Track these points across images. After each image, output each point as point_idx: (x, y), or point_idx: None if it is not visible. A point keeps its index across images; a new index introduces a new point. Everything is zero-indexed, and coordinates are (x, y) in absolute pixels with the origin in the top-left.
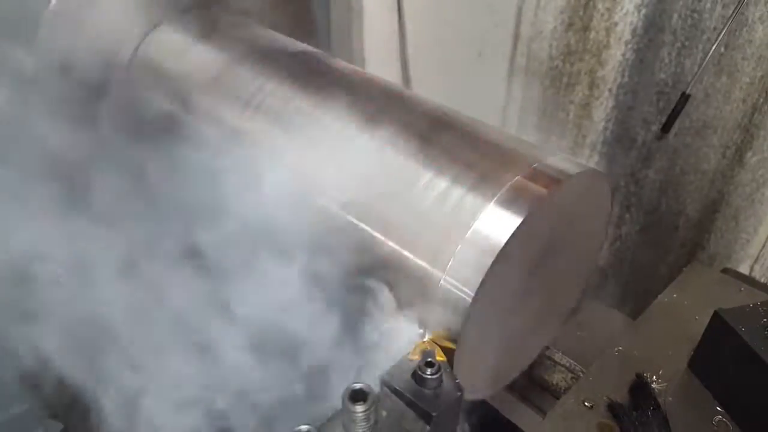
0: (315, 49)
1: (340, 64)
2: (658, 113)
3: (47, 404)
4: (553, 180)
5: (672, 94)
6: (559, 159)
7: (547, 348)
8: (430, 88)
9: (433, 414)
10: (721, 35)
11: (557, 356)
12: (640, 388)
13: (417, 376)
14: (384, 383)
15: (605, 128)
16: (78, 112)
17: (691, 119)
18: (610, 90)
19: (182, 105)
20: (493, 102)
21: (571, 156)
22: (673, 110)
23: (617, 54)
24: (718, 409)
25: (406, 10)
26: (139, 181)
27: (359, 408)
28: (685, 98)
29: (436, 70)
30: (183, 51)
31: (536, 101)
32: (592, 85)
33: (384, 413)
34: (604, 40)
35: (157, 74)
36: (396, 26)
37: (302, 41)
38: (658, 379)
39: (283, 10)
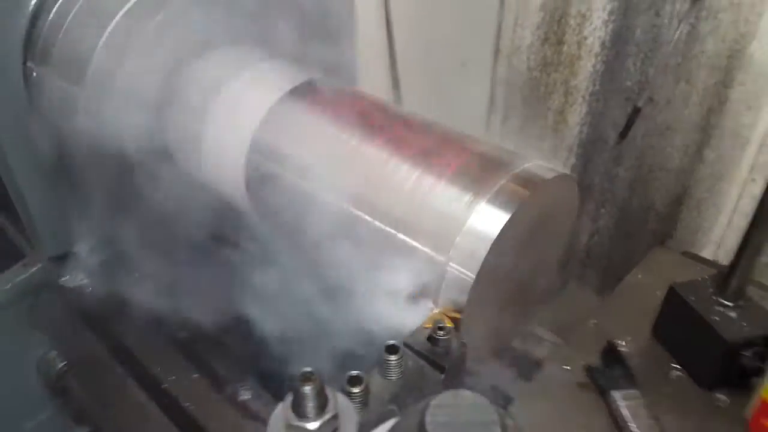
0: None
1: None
2: (626, 117)
3: (73, 409)
4: (533, 183)
5: (638, 100)
6: (536, 165)
7: (534, 326)
8: (419, 96)
9: (445, 366)
10: (672, 45)
11: (542, 332)
12: (610, 352)
13: (431, 338)
14: (406, 345)
15: (580, 132)
16: None
17: (655, 122)
18: (583, 97)
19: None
20: (478, 108)
21: (546, 162)
22: (627, 121)
23: (588, 65)
24: (675, 366)
25: (395, 24)
26: None
27: (393, 358)
28: (636, 111)
29: (424, 80)
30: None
31: (517, 108)
32: (566, 94)
33: (410, 363)
34: (576, 52)
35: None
36: (385, 38)
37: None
38: (626, 344)
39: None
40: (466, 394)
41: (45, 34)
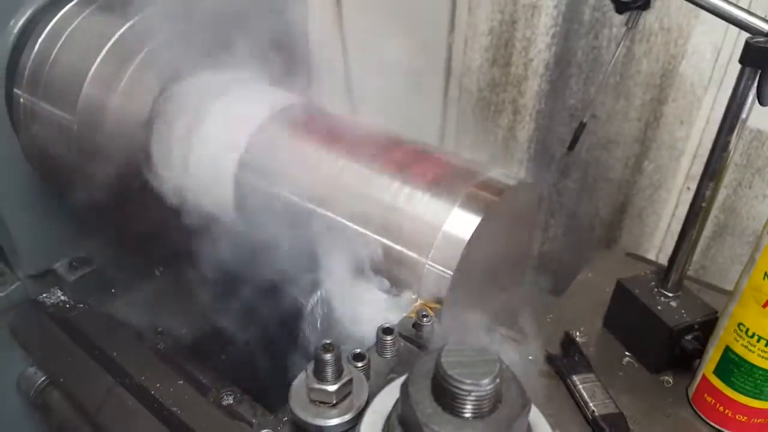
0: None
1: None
2: (570, 132)
3: (54, 423)
4: (499, 189)
5: (581, 116)
6: (501, 174)
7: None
8: (374, 117)
9: (428, 347)
10: (611, 66)
11: (503, 330)
12: (568, 341)
13: (416, 325)
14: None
15: (529, 147)
16: None
17: (598, 136)
18: (530, 115)
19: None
20: (432, 127)
21: (508, 171)
22: (573, 136)
23: (534, 85)
24: (626, 353)
25: (349, 47)
26: None
27: (388, 338)
28: (582, 126)
29: (379, 101)
30: None
31: (469, 126)
32: (515, 112)
33: (402, 343)
34: (522, 73)
35: None
36: (341, 60)
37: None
38: (581, 335)
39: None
40: (471, 341)
41: (33, 64)
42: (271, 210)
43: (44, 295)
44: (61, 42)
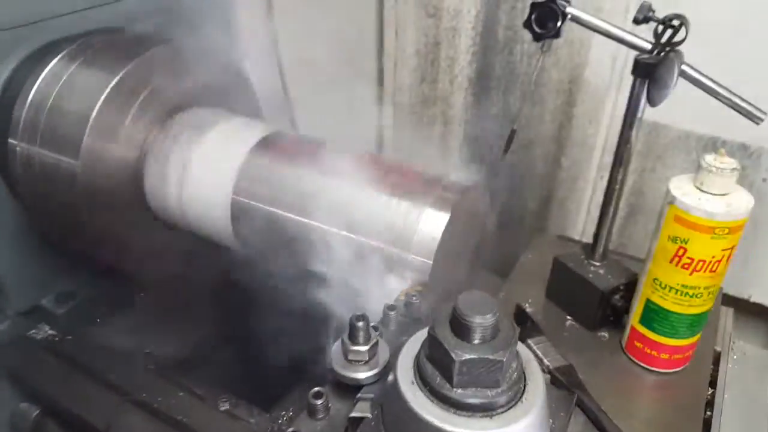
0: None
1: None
2: (497, 138)
3: None
4: (459, 190)
5: (504, 123)
6: (458, 177)
7: None
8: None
9: (420, 319)
10: (533, 81)
11: None
12: (520, 312)
13: (407, 304)
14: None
15: (460, 153)
16: None
17: (519, 139)
18: (459, 125)
19: None
20: (371, 141)
21: (463, 176)
22: (506, 142)
23: (460, 98)
24: (567, 317)
25: (286, 68)
26: None
27: (392, 313)
28: (513, 133)
29: (319, 115)
30: None
31: (405, 139)
32: (445, 123)
33: (401, 317)
34: (449, 89)
35: None
36: (280, 84)
37: None
38: (529, 306)
39: None
40: (474, 292)
41: (28, 114)
42: (268, 230)
43: (33, 331)
44: (54, 94)
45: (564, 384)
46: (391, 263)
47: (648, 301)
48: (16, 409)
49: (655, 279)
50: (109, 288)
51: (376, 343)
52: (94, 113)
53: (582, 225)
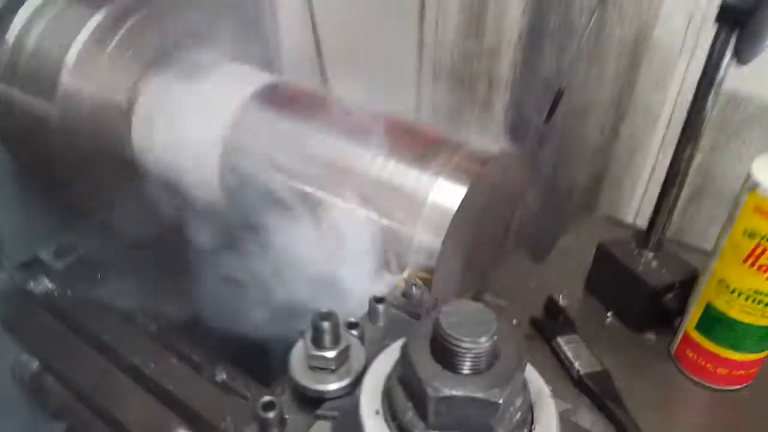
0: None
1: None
2: (546, 101)
3: (51, 406)
4: (485, 159)
5: (556, 84)
6: (484, 144)
7: (481, 293)
8: (348, 94)
9: (420, 313)
10: (585, 36)
11: (487, 296)
12: (551, 304)
13: (405, 294)
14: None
15: (505, 118)
16: None
17: (573, 105)
18: (505, 86)
19: None
20: (407, 103)
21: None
22: (552, 104)
23: (508, 56)
24: (608, 314)
25: (319, 24)
26: None
27: (380, 306)
28: (560, 93)
29: (352, 78)
30: None
31: (444, 101)
32: (490, 84)
33: (392, 310)
34: (496, 45)
35: None
36: (312, 40)
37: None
38: (564, 298)
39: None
40: (467, 302)
41: (9, 53)
42: (256, 189)
43: (31, 283)
44: (38, 32)
45: (595, 393)
46: (391, 241)
47: (709, 305)
48: (17, 359)
49: (721, 280)
50: (111, 243)
51: (348, 348)
52: (73, 52)
53: (637, 206)
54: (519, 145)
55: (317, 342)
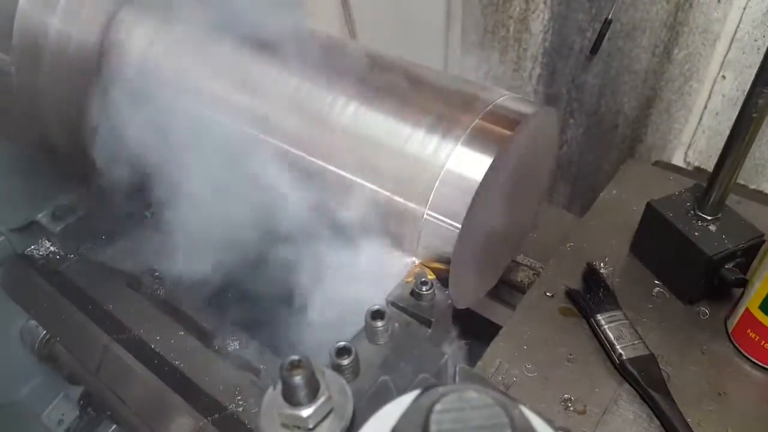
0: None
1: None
2: (591, 20)
3: (65, 371)
4: (514, 120)
5: (602, 0)
6: (512, 100)
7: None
8: (373, 13)
9: (432, 320)
10: None
11: (519, 257)
12: (591, 274)
13: (415, 293)
14: (389, 303)
15: (544, 39)
16: None
17: (621, 23)
18: (545, 2)
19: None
20: (436, 23)
21: (517, 95)
22: (598, 35)
23: None
24: (656, 282)
25: None
26: None
27: (379, 323)
28: (608, 23)
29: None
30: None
31: (476, 19)
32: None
33: (396, 325)
34: None
35: None
36: None
37: None
38: (605, 265)
39: None
40: (470, 396)
41: None
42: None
43: (32, 247)
44: None
45: (639, 381)
46: (396, 224)
47: None
48: (26, 325)
49: None
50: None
51: (328, 400)
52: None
53: (688, 138)
54: (560, 69)
55: (289, 397)
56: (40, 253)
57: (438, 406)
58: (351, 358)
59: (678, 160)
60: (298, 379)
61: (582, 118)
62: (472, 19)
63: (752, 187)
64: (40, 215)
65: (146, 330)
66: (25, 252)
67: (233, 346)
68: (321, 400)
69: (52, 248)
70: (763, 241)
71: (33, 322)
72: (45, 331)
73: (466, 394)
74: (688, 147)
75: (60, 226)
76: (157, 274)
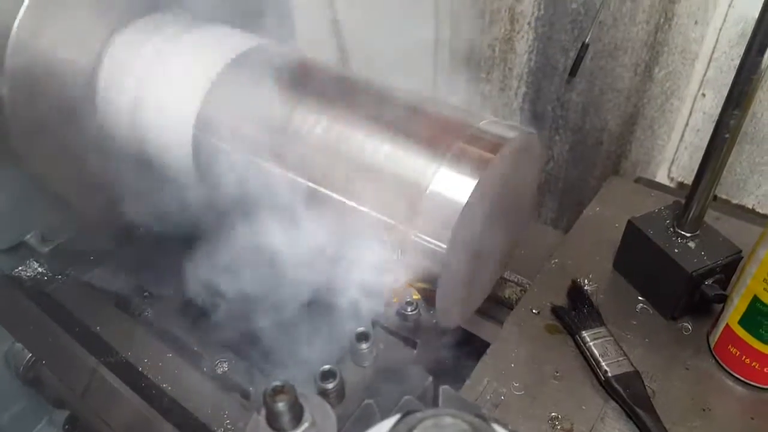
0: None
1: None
2: (574, 40)
3: (50, 395)
4: (499, 142)
5: (584, 21)
6: (496, 124)
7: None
8: (364, 36)
9: (417, 341)
10: None
11: (506, 274)
12: (575, 291)
13: (400, 314)
14: (375, 323)
15: (529, 59)
16: None
17: (603, 43)
18: (529, 23)
19: None
20: (425, 43)
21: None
22: (576, 58)
23: None
24: (639, 298)
25: None
26: None
27: (364, 346)
28: (585, 47)
29: (368, 19)
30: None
31: (463, 40)
32: (512, 21)
33: (381, 346)
34: None
35: None
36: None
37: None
38: (590, 281)
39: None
40: (446, 422)
41: None
42: (232, 171)
43: (20, 268)
44: None
45: (624, 398)
46: (383, 244)
47: (756, 299)
48: (11, 348)
49: None
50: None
51: (312, 425)
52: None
53: (671, 154)
54: (544, 89)
55: (273, 423)
56: (28, 274)
57: (421, 425)
58: (336, 381)
59: (662, 176)
60: (281, 405)
61: (567, 135)
62: (459, 40)
63: (735, 201)
64: (28, 236)
65: (134, 352)
66: (13, 273)
67: (222, 368)
68: (305, 425)
69: (40, 269)
70: (741, 258)
71: (18, 345)
72: (30, 354)
73: (442, 420)
74: (672, 163)
75: (49, 247)
76: (145, 294)
